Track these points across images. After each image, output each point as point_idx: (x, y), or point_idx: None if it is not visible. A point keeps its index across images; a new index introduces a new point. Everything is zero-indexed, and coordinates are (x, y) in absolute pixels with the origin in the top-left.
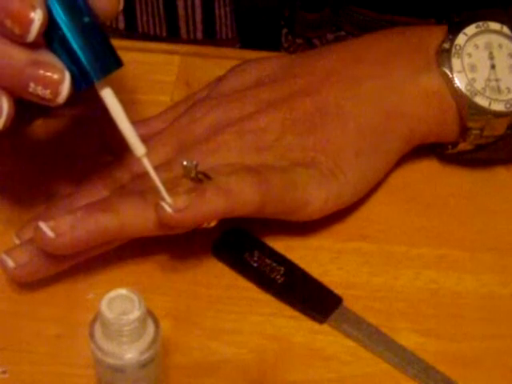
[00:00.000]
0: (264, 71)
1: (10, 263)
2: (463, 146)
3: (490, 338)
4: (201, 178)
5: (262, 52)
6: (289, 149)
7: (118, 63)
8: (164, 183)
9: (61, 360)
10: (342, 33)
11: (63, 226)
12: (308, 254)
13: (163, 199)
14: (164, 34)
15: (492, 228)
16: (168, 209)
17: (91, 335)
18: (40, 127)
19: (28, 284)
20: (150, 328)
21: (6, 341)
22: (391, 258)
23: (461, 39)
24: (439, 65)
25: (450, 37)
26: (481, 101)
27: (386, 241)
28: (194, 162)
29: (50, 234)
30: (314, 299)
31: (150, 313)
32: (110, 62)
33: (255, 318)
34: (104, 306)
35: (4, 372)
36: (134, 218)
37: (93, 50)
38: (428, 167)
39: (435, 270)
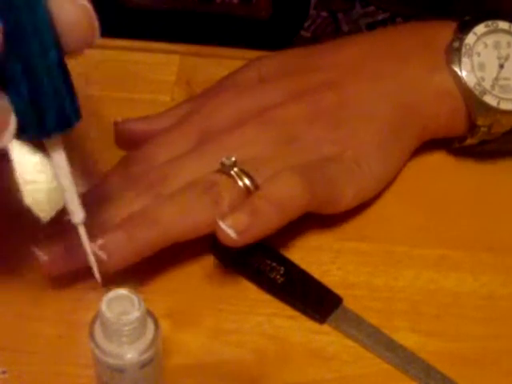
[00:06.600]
0: (281, 64)
1: (43, 256)
2: (470, 142)
3: (490, 338)
4: (239, 175)
5: (263, 52)
6: (317, 142)
7: (77, 116)
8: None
9: (61, 360)
10: (371, 8)
11: (112, 245)
12: (308, 254)
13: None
14: None
15: (492, 228)
16: (232, 234)
17: (91, 335)
18: None
19: (28, 284)
20: (150, 328)
21: (6, 341)
22: (391, 258)
23: (471, 39)
24: (449, 63)
25: (460, 36)
26: (489, 100)
27: (386, 241)
28: (233, 159)
29: (102, 255)
30: (313, 299)
31: (150, 313)
32: (70, 114)
33: (255, 318)
34: (104, 306)
35: (4, 372)
36: (174, 226)
37: (52, 97)
38: (428, 167)
39: (435, 270)
